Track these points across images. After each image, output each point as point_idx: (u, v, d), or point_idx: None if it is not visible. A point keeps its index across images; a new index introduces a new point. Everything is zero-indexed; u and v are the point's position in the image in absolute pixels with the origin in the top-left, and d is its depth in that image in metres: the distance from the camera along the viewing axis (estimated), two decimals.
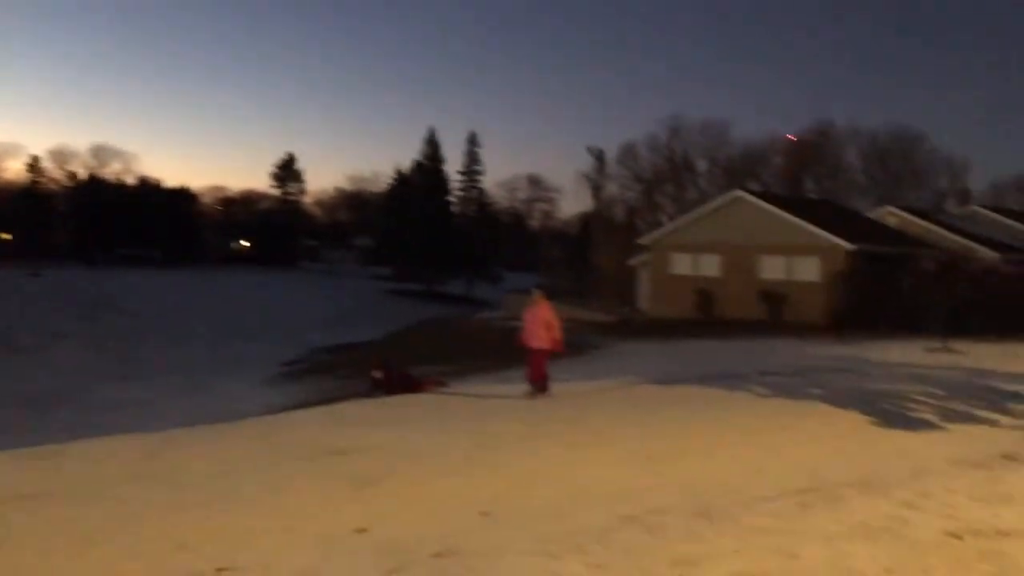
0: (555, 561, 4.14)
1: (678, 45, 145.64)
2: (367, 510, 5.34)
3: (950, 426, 8.98)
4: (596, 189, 53.48)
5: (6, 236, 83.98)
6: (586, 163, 68.46)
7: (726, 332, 27.26)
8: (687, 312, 32.44)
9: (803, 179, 64.13)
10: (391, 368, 14.27)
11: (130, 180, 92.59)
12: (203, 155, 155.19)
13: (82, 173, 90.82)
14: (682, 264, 35.12)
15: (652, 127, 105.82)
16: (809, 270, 30.83)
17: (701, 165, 62.57)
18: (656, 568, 4.04)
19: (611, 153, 61.22)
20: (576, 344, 28.30)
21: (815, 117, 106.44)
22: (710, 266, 33.85)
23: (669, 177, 60.49)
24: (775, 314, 30.42)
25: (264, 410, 21.43)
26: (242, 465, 6.79)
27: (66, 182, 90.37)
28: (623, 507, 5.34)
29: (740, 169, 62.34)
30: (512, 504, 5.59)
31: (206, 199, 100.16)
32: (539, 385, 11.61)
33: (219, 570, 4.21)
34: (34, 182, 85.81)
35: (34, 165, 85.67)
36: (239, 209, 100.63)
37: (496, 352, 27.61)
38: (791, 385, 12.31)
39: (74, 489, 6.02)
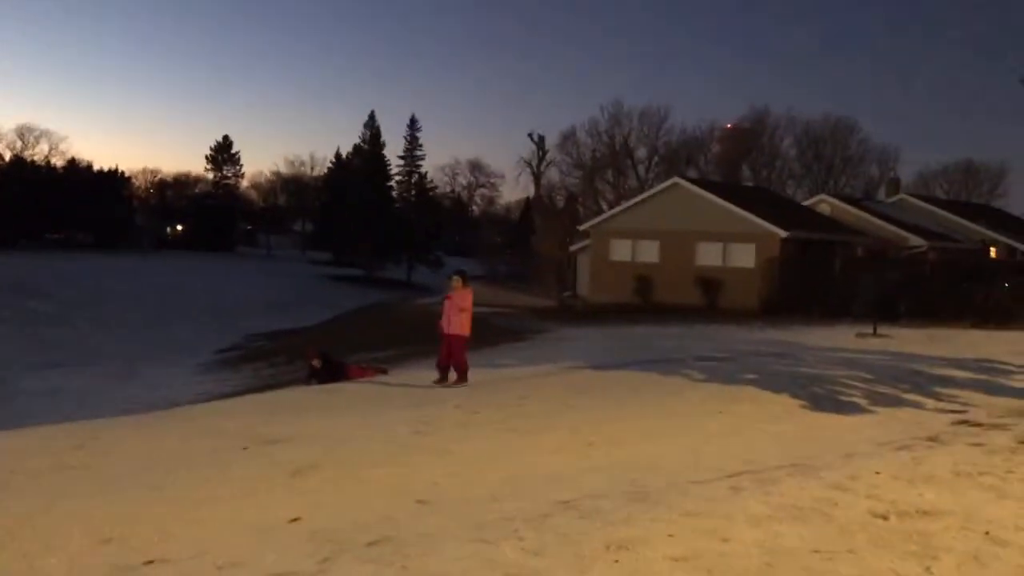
0: (490, 547, 4.14)
1: (619, 32, 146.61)
2: (301, 499, 5.27)
3: (878, 409, 9.23)
4: (537, 175, 53.57)
5: None
6: (527, 149, 68.42)
7: (664, 317, 27.63)
8: (626, 298, 32.78)
9: (740, 167, 65.22)
10: (328, 356, 14.12)
11: (58, 162, 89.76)
12: (136, 137, 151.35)
13: (6, 155, 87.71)
14: (621, 250, 35.45)
15: (592, 113, 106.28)
16: (745, 256, 31.41)
17: (641, 152, 63.12)
18: (591, 552, 4.06)
19: (552, 139, 61.33)
20: (516, 329, 28.41)
21: (752, 106, 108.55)
22: (649, 252, 34.24)
23: (609, 164, 60.91)
24: (712, 300, 30.94)
25: (197, 398, 21.07)
26: (173, 455, 6.64)
27: None
28: (560, 492, 5.36)
29: (679, 156, 63.04)
30: (448, 491, 5.58)
31: (139, 182, 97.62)
32: (461, 373, 11.52)
33: (147, 563, 4.11)
34: None
35: None
36: (174, 192, 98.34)
37: (434, 337, 27.54)
38: (726, 370, 12.52)
39: None
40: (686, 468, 6.16)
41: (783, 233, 30.72)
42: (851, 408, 9.33)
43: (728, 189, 38.61)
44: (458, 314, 11.56)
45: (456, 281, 12.03)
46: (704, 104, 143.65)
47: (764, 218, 31.51)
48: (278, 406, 9.42)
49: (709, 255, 32.29)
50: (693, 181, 37.92)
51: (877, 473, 5.80)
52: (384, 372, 14.45)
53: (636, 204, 36.86)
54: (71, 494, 5.47)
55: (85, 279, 60.34)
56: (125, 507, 5.10)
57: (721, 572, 3.85)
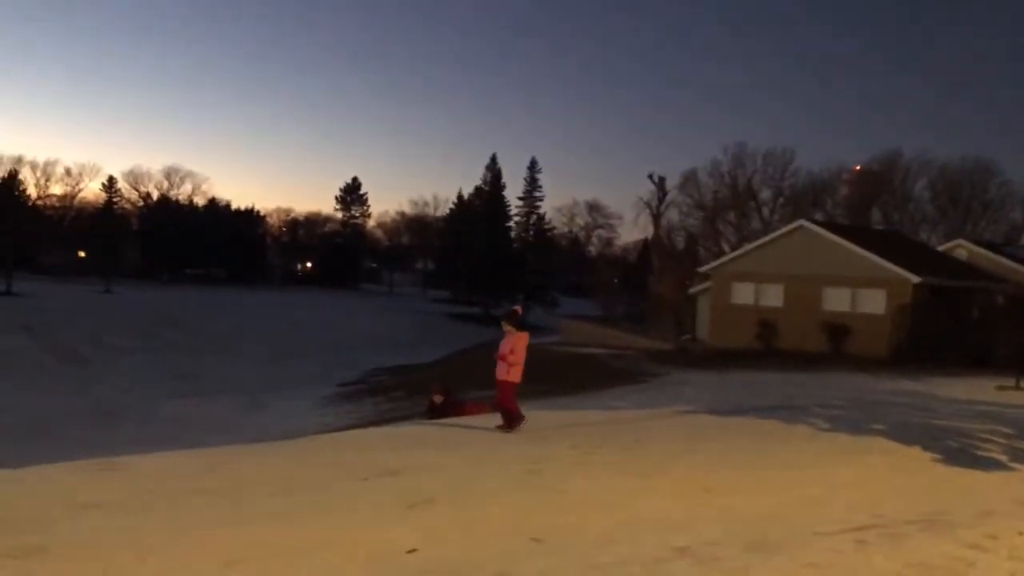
0: None
1: (742, 72, 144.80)
2: (418, 531, 5.36)
3: (1020, 467, 8.66)
4: (656, 216, 53.18)
5: (81, 253, 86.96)
6: (646, 190, 68.10)
7: (787, 363, 26.80)
8: (747, 342, 31.99)
9: (870, 210, 62.92)
10: (450, 392, 14.24)
11: (200, 201, 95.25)
12: (270, 178, 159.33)
13: (155, 194, 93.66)
14: (744, 294, 34.69)
15: (715, 154, 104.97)
16: (874, 302, 30.20)
17: (765, 194, 61.83)
18: None
19: (672, 180, 60.81)
20: (632, 371, 28.11)
21: (883, 147, 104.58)
22: (772, 296, 33.38)
23: (731, 205, 59.88)
24: (838, 346, 29.83)
25: (320, 429, 21.73)
26: (298, 482, 6.88)
27: (139, 202, 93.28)
28: (676, 538, 5.27)
29: (805, 199, 61.40)
30: (564, 531, 5.56)
31: (272, 220, 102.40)
32: (510, 418, 10.29)
33: None
34: (110, 202, 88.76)
35: (110, 185, 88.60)
36: (305, 231, 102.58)
37: (551, 378, 27.57)
38: (852, 419, 12.02)
39: (136, 500, 6.17)
40: (808, 519, 5.95)
41: (916, 279, 29.40)
42: (989, 464, 8.78)
43: (857, 232, 37.29)
44: (501, 360, 10.30)
45: (505, 326, 10.52)
46: (831, 145, 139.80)
47: (895, 263, 30.25)
48: (397, 439, 9.62)
49: (836, 300, 31.20)
50: (820, 224, 36.84)
51: (1021, 534, 5.45)
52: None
53: (759, 246, 36.06)
54: (203, 515, 5.74)
55: (220, 313, 63.46)
56: (252, 532, 5.31)
57: None
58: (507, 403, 10.25)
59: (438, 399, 13.68)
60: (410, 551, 4.93)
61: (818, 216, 53.45)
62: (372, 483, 6.85)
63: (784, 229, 36.52)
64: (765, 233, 44.13)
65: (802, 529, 5.58)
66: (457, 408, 13.50)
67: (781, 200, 61.86)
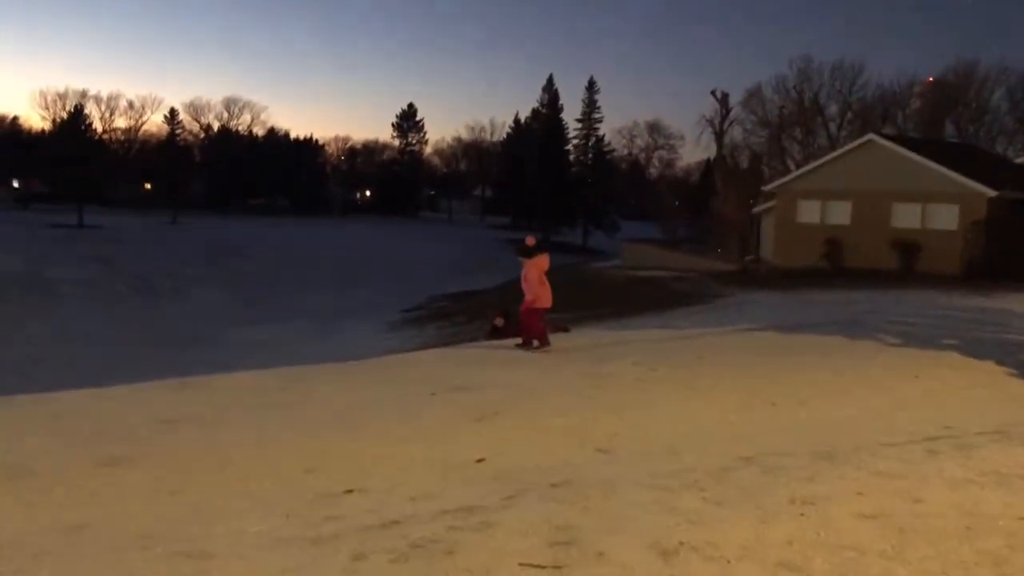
0: (671, 495, 4.16)
1: None
2: (486, 442, 5.48)
3: None
4: (719, 134, 51.87)
5: (147, 186, 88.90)
6: (709, 108, 66.40)
7: (855, 282, 26.28)
8: (813, 261, 31.35)
9: (943, 124, 60.37)
10: (510, 315, 14.38)
11: (259, 131, 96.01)
12: (327, 106, 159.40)
13: (215, 125, 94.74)
14: (809, 212, 33.85)
15: (780, 69, 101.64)
16: (946, 218, 29.21)
17: (832, 109, 59.68)
18: (774, 506, 4.00)
19: (736, 97, 59.00)
20: (694, 293, 27.92)
21: (958, 56, 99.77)
22: (839, 214, 32.51)
23: (797, 121, 58.05)
24: (908, 264, 29.08)
25: (386, 352, 22.15)
26: (369, 398, 7.07)
27: (201, 134, 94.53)
28: (741, 448, 5.29)
29: (874, 113, 59.21)
30: (628, 443, 5.62)
31: (331, 149, 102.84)
32: (528, 337, 10.51)
33: (347, 491, 4.42)
34: (172, 134, 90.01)
35: (172, 117, 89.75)
36: (362, 159, 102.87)
37: (613, 300, 27.54)
38: (923, 335, 11.80)
39: (213, 415, 6.42)
40: (877, 431, 5.90)
41: (991, 192, 28.30)
42: None
43: (929, 146, 35.89)
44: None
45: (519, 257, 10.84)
46: (902, 57, 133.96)
47: (969, 176, 29.11)
48: (462, 359, 9.77)
49: (906, 217, 30.25)
50: (890, 138, 35.54)
51: None
52: (566, 330, 14.45)
53: (826, 163, 34.98)
54: (279, 429, 5.95)
55: (284, 242, 64.56)
56: (326, 443, 5.50)
57: (914, 532, 3.69)
58: (530, 330, 10.49)
59: (499, 322, 13.90)
60: (479, 460, 5.05)
61: (888, 131, 51.60)
62: (441, 398, 7.00)
63: (852, 144, 35.32)
64: (832, 150, 42.78)
65: (870, 440, 5.55)
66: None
67: (849, 115, 59.72)
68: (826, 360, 9.63)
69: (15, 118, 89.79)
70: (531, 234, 11.26)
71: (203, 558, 3.31)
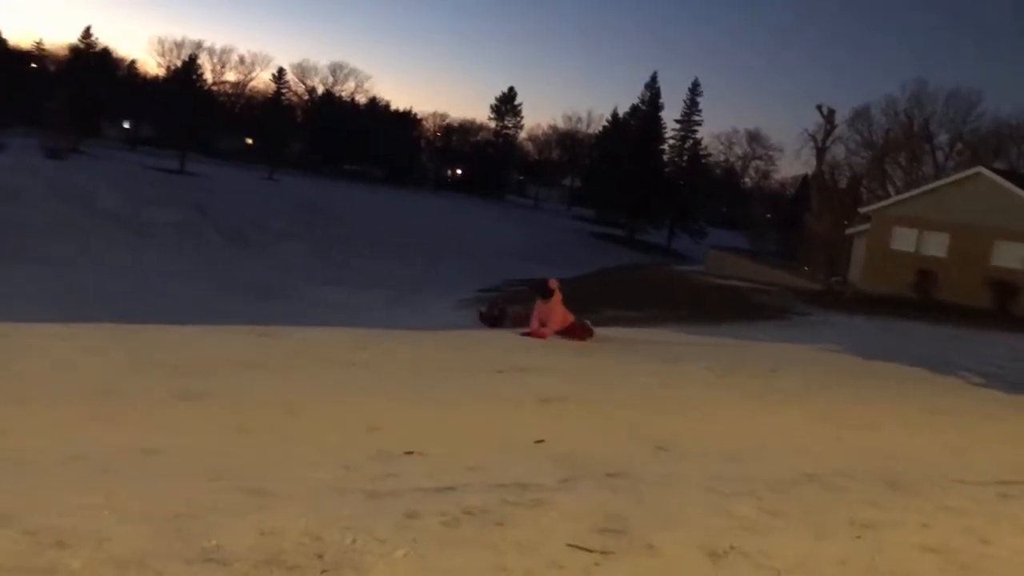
0: (727, 499, 4.12)
1: (923, 5, 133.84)
2: (547, 424, 5.51)
3: None
4: (820, 150, 50.55)
5: (248, 141, 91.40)
6: (813, 123, 64.69)
7: (944, 317, 25.41)
8: (902, 290, 30.45)
9: None
10: (504, 315, 14.50)
11: (361, 99, 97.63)
12: (428, 82, 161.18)
13: (320, 88, 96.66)
14: (904, 239, 32.86)
15: (891, 91, 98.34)
16: None
17: (942, 137, 57.59)
18: (832, 523, 3.93)
19: (842, 114, 57.37)
20: (775, 307, 27.40)
21: None
22: (936, 245, 31.47)
23: (903, 146, 56.18)
24: (1004, 305, 28.00)
25: (456, 328, 22.40)
26: (438, 366, 7.18)
27: (305, 96, 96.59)
28: (805, 464, 5.20)
29: (986, 146, 56.85)
30: (689, 443, 5.58)
31: (429, 124, 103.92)
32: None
33: (407, 453, 4.52)
34: (278, 93, 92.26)
35: (279, 77, 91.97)
36: (458, 137, 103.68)
37: (689, 305, 27.24)
38: (1012, 378, 11.37)
39: (288, 364, 6.62)
40: (949, 466, 5.72)
41: None
42: None
43: None
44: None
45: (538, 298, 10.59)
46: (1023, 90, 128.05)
47: None
48: (532, 341, 9.81)
49: (1008, 256, 29.10)
50: (1000, 172, 34.16)
51: None
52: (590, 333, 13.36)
53: (928, 191, 33.91)
54: (348, 386, 6.10)
55: (374, 210, 65.64)
56: (393, 404, 5.62)
57: (977, 571, 3.59)
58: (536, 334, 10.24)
59: (482, 309, 14.12)
60: (538, 441, 5.09)
61: (999, 166, 49.52)
62: (507, 376, 7.06)
63: (959, 175, 34.13)
64: (937, 179, 41.35)
65: (941, 475, 5.39)
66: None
67: (959, 145, 57.54)
68: (903, 389, 9.35)
69: (132, 62, 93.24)
70: (553, 278, 10.80)
71: (264, 495, 3.43)
